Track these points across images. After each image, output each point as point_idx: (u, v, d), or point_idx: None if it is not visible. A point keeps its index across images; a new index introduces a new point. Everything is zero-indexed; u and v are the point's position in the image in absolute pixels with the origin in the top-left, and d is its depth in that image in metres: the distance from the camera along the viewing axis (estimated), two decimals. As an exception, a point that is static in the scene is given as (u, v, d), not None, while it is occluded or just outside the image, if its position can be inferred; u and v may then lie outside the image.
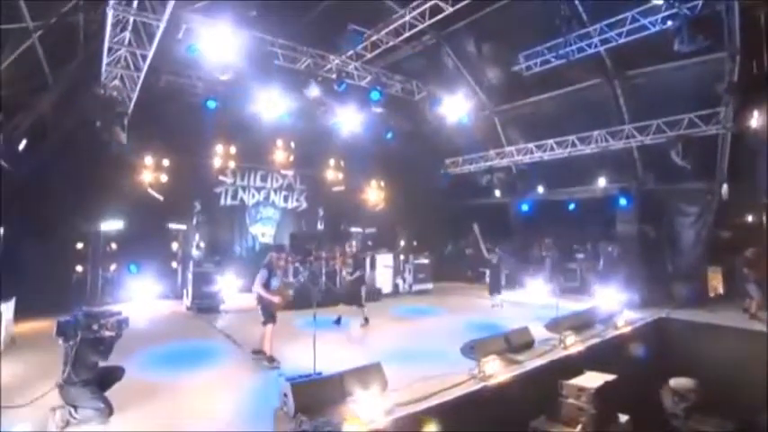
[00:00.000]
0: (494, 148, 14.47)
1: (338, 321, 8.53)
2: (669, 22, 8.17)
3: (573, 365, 6.32)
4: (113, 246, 10.26)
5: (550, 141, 12.62)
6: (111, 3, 5.45)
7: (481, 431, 4.81)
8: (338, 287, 11.78)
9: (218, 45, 8.08)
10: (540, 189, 13.95)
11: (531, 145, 13.22)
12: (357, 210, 15.31)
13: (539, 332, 7.53)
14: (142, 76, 7.88)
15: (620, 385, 5.88)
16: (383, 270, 12.70)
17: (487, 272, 11.92)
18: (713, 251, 10.91)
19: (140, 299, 10.01)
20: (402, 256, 13.44)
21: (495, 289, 11.08)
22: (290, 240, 13.13)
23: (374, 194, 15.84)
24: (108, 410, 4.16)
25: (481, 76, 13.39)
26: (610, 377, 5.62)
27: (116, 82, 7.84)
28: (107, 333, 4.30)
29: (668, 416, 7.65)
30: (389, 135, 13.74)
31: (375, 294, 11.83)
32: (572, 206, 13.46)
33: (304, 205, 14.81)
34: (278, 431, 4.15)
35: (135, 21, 6.46)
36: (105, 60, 7.26)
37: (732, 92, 8.97)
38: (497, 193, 14.69)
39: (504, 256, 11.88)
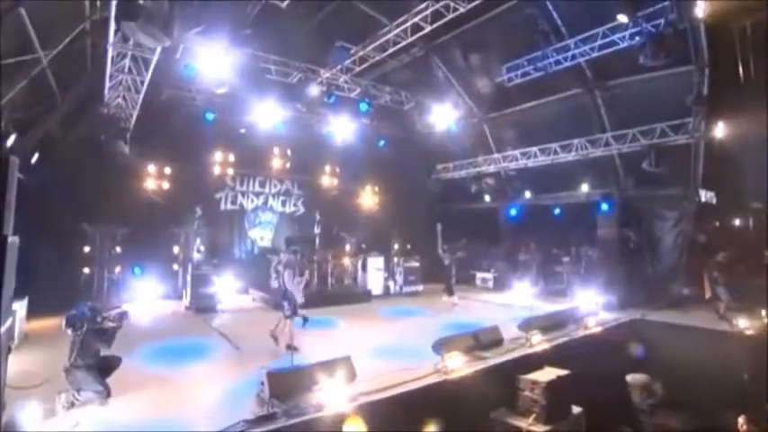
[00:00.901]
0: (484, 154, 14.90)
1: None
2: (637, 38, 8.65)
3: (536, 362, 6.71)
4: (118, 249, 10.85)
5: (534, 149, 13.06)
6: (111, 41, 6.11)
7: (439, 419, 5.30)
8: (329, 288, 12.32)
9: (213, 63, 8.74)
10: (528, 194, 14.39)
11: (516, 152, 13.65)
12: (352, 214, 15.82)
13: (514, 332, 7.92)
14: (141, 96, 8.54)
15: (579, 380, 6.31)
16: (374, 272, 13.21)
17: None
18: (691, 255, 11.26)
19: (143, 299, 10.52)
20: (395, 259, 13.95)
21: (449, 290, 11.49)
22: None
23: (368, 199, 16.42)
24: (106, 393, 4.80)
25: (470, 86, 13.81)
26: (563, 372, 6.08)
27: (119, 100, 8.52)
28: (109, 324, 5.00)
29: (636, 411, 8.10)
30: (382, 143, 14.32)
31: (365, 296, 12.41)
32: (557, 211, 13.87)
33: (301, 210, 15.39)
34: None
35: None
36: (108, 84, 7.92)
37: (699, 103, 9.37)
38: (487, 198, 15.12)
39: (456, 256, 12.01)
